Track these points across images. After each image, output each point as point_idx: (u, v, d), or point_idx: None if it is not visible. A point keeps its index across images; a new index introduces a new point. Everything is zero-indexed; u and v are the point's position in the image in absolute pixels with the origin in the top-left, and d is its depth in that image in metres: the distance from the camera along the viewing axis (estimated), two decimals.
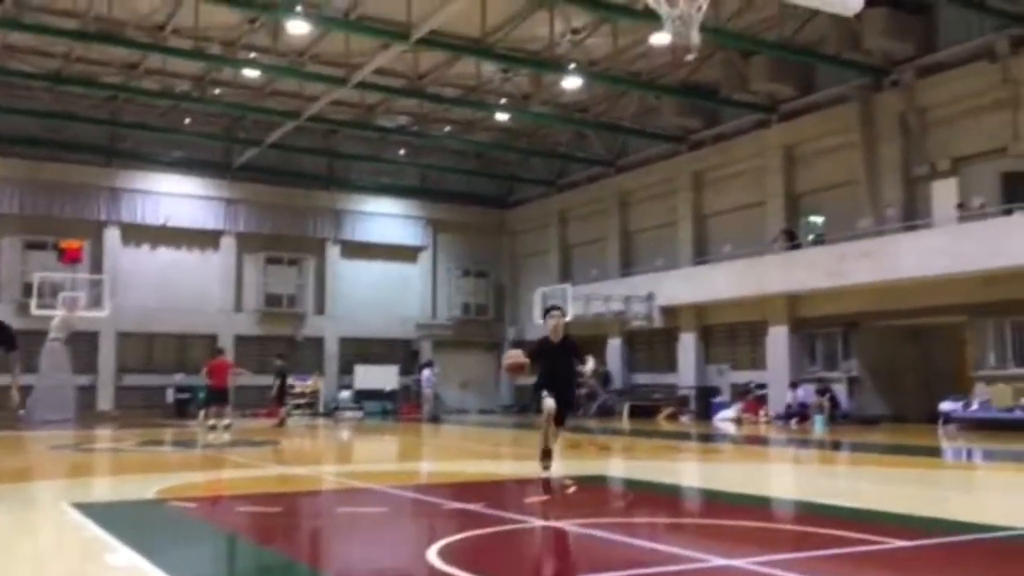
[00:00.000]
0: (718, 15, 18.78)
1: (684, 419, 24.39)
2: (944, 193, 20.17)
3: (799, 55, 21.15)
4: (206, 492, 9.15)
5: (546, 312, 9.41)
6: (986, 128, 19.55)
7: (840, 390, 21.96)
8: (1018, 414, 17.79)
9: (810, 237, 23.45)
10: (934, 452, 14.15)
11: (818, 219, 23.58)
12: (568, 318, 27.10)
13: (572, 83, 23.82)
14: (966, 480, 10.58)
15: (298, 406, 27.19)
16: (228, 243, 30.11)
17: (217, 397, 17.49)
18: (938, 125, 20.56)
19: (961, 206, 19.70)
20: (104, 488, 9.78)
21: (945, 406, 18.92)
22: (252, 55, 22.61)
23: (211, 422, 17.37)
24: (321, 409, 28.51)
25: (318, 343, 30.67)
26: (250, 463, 11.84)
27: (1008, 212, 18.65)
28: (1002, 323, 18.94)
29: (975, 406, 18.58)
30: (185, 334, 28.86)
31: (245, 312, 30.00)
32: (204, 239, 29.88)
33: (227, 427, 17.03)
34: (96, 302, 25.93)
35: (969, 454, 14.02)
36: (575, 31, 21.49)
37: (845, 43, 20.28)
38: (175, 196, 29.17)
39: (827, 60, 21.14)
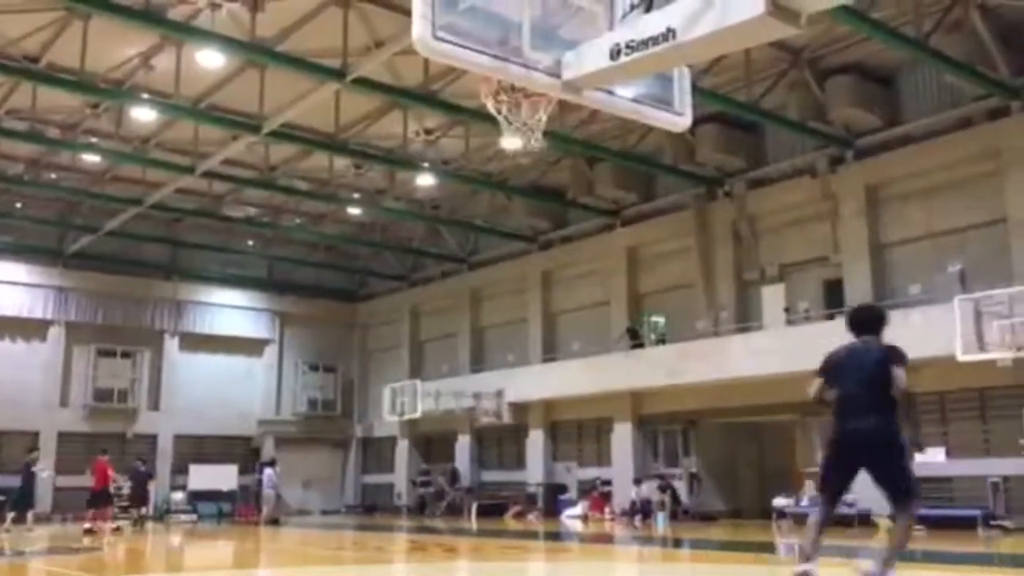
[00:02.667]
0: (565, 123, 19.62)
1: (531, 517, 24.29)
2: (773, 297, 21.43)
3: (640, 163, 22.28)
4: None
5: None
6: (809, 238, 21.03)
7: (681, 486, 22.51)
8: (843, 509, 18.64)
9: (652, 336, 24.31)
10: (767, 548, 14.60)
11: (660, 319, 24.52)
12: (418, 414, 27.02)
13: (425, 180, 24.16)
14: None
15: (124, 508, 25.36)
16: (56, 333, 28.32)
17: (98, 499, 17.92)
18: (767, 234, 21.97)
19: (788, 310, 20.98)
20: None
21: (778, 502, 19.66)
22: (93, 139, 21.82)
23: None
24: (151, 512, 26.72)
25: (151, 440, 28.94)
26: (65, 574, 10.90)
27: (830, 317, 19.97)
28: (826, 422, 20.00)
29: (805, 501, 19.38)
30: (2, 431, 26.65)
31: (71, 407, 28.06)
32: (30, 329, 27.97)
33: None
34: None
35: (800, 550, 14.53)
36: (428, 131, 21.93)
37: (681, 155, 21.57)
38: (1, 283, 27.32)
39: (665, 169, 22.36)
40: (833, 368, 6.83)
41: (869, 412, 6.30)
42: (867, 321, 7.21)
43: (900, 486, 6.22)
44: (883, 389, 6.32)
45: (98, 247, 27.91)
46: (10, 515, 19.53)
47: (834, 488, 6.66)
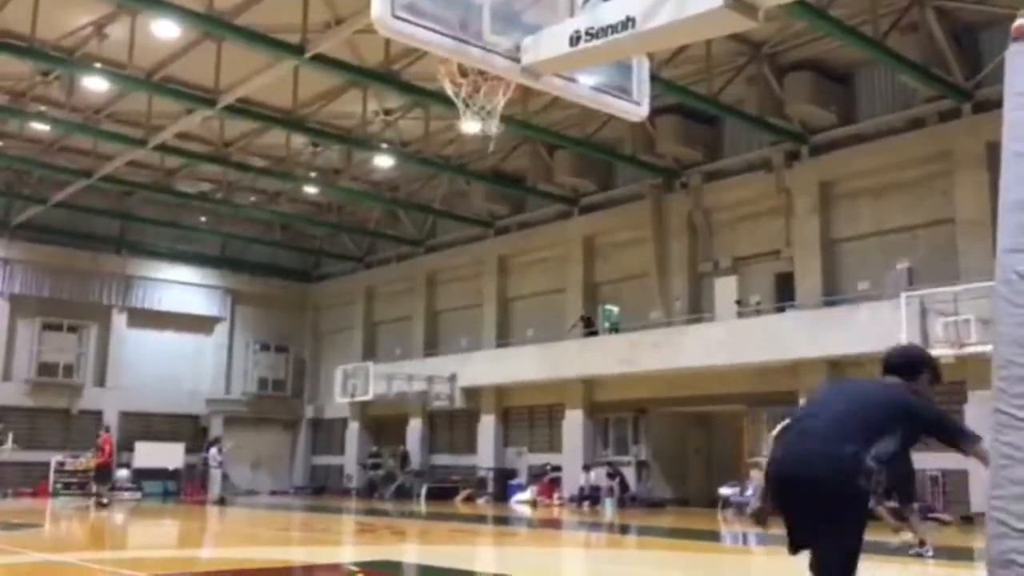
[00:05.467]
0: (526, 109, 19.59)
1: (481, 501, 24.37)
2: (725, 289, 21.70)
3: (599, 152, 22.34)
4: None
5: None
6: (762, 232, 21.30)
7: (629, 473, 22.74)
8: None
9: (606, 325, 24.47)
10: (713, 536, 14.82)
11: (614, 308, 24.69)
12: (369, 396, 26.90)
13: (384, 162, 23.98)
14: (741, 565, 11.11)
15: (68, 486, 24.96)
16: (0, 306, 27.66)
17: (106, 474, 19.45)
18: (721, 226, 22.20)
19: (740, 302, 21.25)
20: None
21: (724, 491, 19.96)
22: (43, 108, 21.28)
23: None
24: (94, 489, 26.28)
25: (96, 417, 28.41)
26: (2, 549, 10.68)
27: (780, 310, 20.28)
28: (775, 413, 20.33)
29: (749, 491, 19.69)
30: None
31: (14, 381, 27.46)
32: None
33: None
34: None
35: (744, 538, 14.79)
36: (388, 112, 21.75)
37: (640, 145, 21.68)
38: None
39: (624, 159, 22.45)
40: None
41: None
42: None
43: None
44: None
45: (45, 219, 27.30)
46: None
47: None
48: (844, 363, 18.22)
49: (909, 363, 4.45)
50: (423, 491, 26.10)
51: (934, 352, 16.30)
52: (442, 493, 25.79)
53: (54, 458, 25.79)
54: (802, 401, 19.34)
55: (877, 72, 19.31)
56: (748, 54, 18.92)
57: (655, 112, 17.39)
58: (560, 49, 5.62)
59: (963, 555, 11.75)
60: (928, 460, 17.75)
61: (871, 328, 17.23)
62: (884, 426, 3.94)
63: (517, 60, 5.77)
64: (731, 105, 19.28)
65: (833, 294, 19.53)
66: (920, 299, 16.52)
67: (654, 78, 7.66)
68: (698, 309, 21.95)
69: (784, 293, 20.54)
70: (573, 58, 5.67)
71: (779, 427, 4.18)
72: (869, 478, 3.74)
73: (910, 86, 18.14)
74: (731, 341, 19.58)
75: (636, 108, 6.42)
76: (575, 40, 5.53)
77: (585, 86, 6.25)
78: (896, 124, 19.15)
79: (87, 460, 25.88)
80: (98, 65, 18.32)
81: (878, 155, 19.20)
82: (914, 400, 4.23)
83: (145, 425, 29.14)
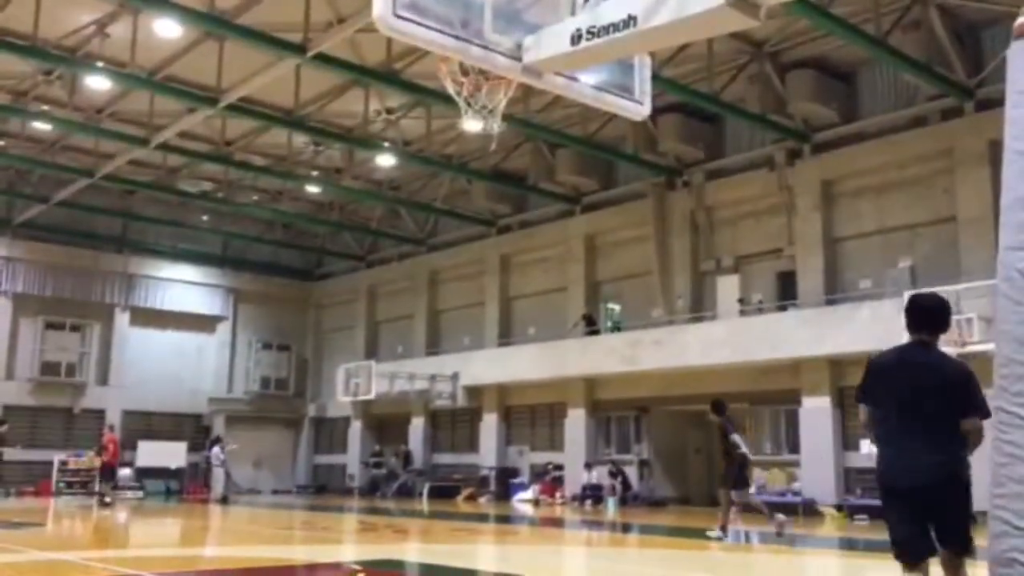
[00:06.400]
0: (528, 108, 19.59)
1: (483, 500, 24.38)
2: (727, 288, 21.68)
3: (601, 151, 22.33)
4: None
5: None
6: (764, 230, 21.29)
7: (632, 472, 22.74)
8: (790, 497, 19.01)
9: (608, 323, 24.47)
10: None
11: (616, 306, 24.68)
12: (372, 395, 26.92)
13: (385, 160, 23.99)
14: (745, 563, 11.11)
15: (70, 485, 24.99)
16: (3, 305, 27.67)
17: (112, 473, 20.31)
18: (723, 225, 22.18)
19: (742, 301, 21.24)
20: None
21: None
22: (45, 107, 21.30)
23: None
24: (97, 488, 26.32)
25: (99, 416, 28.45)
26: (6, 547, 10.70)
27: (783, 308, 20.28)
28: (777, 411, 20.35)
29: (753, 489, 19.66)
30: None
31: (17, 380, 27.49)
32: None
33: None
34: None
35: (747, 537, 14.78)
36: (389, 111, 21.75)
37: (642, 143, 21.65)
38: None
39: (626, 158, 22.44)
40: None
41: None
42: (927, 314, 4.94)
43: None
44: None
45: (48, 217, 27.33)
46: None
47: None
48: (846, 362, 18.20)
49: None
50: (425, 490, 26.12)
51: None
52: (444, 492, 25.80)
53: (57, 457, 25.81)
54: (804, 399, 19.37)
55: (879, 70, 19.29)
56: (750, 52, 18.90)
57: (657, 110, 17.36)
58: (561, 48, 5.63)
59: None
60: None
61: (873, 327, 17.21)
62: None
63: (518, 59, 5.77)
64: (733, 103, 19.27)
65: (835, 292, 19.52)
66: None
67: (655, 77, 7.66)
68: (700, 308, 21.94)
69: (786, 291, 20.54)
70: (574, 57, 5.67)
71: None
72: None
73: (912, 84, 18.12)
74: (733, 340, 19.57)
75: (638, 107, 6.42)
76: (576, 39, 5.54)
77: (587, 85, 6.25)
78: (898, 122, 19.13)
79: (89, 459, 25.93)
80: (100, 64, 18.34)
81: (880, 153, 19.18)
82: None
83: (147, 424, 29.18)
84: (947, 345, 15.78)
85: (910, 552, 4.59)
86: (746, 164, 21.55)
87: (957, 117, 18.10)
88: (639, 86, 6.43)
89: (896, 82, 18.93)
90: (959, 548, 4.57)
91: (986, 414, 4.38)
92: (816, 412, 19.07)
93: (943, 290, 16.22)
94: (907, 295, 16.44)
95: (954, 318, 15.81)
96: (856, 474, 18.66)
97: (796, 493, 19.06)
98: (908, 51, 16.79)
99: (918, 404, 4.61)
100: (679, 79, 18.24)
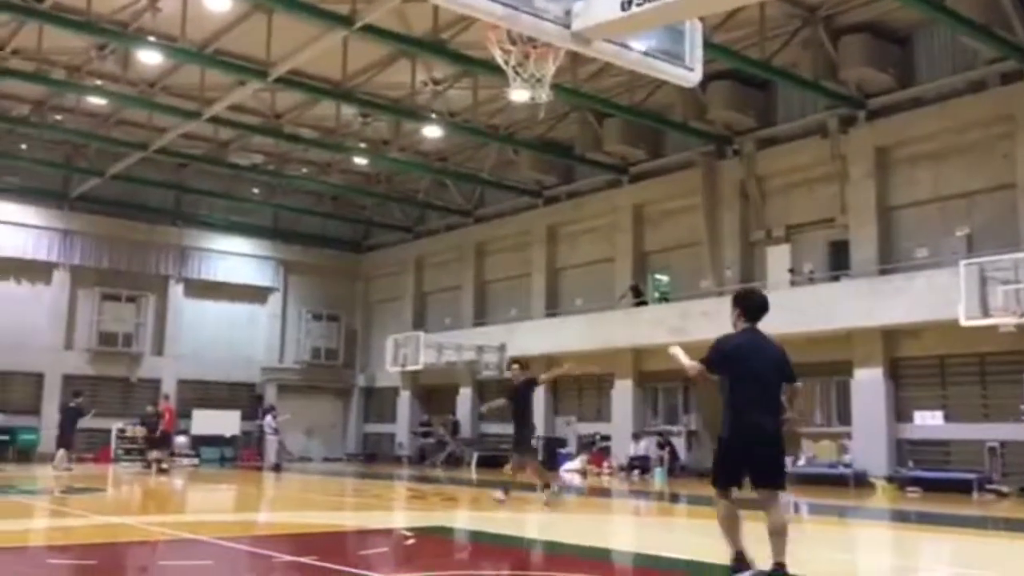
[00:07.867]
0: (575, 77, 19.41)
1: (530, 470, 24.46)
2: (778, 258, 21.37)
3: (649, 120, 22.08)
4: (14, 543, 8.46)
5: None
6: (816, 199, 20.91)
7: (679, 443, 22.69)
8: (840, 469, 18.84)
9: (656, 294, 24.32)
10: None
11: (664, 277, 24.50)
12: (420, 366, 27.13)
13: (432, 132, 24.00)
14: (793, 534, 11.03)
15: (128, 452, 25.68)
16: (61, 276, 28.39)
17: (167, 440, 21.41)
18: (774, 194, 21.84)
19: (792, 271, 20.94)
20: None
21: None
22: (99, 82, 21.66)
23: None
24: (152, 456, 26.97)
25: (155, 385, 29.13)
26: (69, 512, 11.07)
27: (835, 278, 19.96)
28: (827, 383, 20.10)
29: (802, 461, 19.55)
30: (6, 371, 26.86)
31: (76, 350, 28.24)
32: (35, 271, 28.05)
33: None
34: None
35: (796, 507, 14.70)
36: (436, 81, 21.71)
37: (691, 112, 21.35)
38: (5, 224, 27.32)
39: (674, 127, 22.16)
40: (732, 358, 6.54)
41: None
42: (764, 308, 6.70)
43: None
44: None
45: (103, 191, 27.87)
46: (59, 452, 21.24)
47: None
48: (899, 333, 17.88)
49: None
50: (473, 459, 26.35)
51: (993, 321, 15.94)
52: (492, 461, 25.99)
53: (115, 425, 26.50)
54: (856, 371, 19.10)
55: (936, 33, 18.74)
56: (802, 17, 18.49)
57: (706, 78, 17.00)
58: (612, 14, 5.56)
59: (1021, 526, 11.56)
60: (986, 430, 17.49)
61: (928, 297, 16.89)
62: None
63: (567, 26, 5.72)
64: (784, 69, 18.89)
65: (889, 262, 19.15)
66: (980, 267, 16.08)
67: (706, 43, 7.53)
68: (750, 278, 21.68)
69: (838, 261, 20.19)
70: (625, 23, 5.60)
71: None
72: None
73: (971, 47, 17.60)
74: (783, 310, 19.24)
75: (689, 74, 6.34)
76: (627, 4, 5.47)
77: (637, 52, 6.17)
78: (956, 86, 18.61)
79: (134, 431, 26.34)
80: (152, 39, 18.55)
81: (937, 119, 18.69)
82: None
83: (202, 393, 29.81)
84: (1005, 315, 15.46)
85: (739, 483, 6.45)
86: (798, 132, 21.15)
87: (1018, 80, 17.55)
88: (690, 52, 6.34)
89: (954, 45, 18.38)
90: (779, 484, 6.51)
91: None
92: (869, 383, 18.80)
93: (1001, 259, 15.92)
94: (963, 264, 16.06)
95: (1013, 287, 15.54)
96: (909, 445, 18.42)
97: (847, 465, 18.87)
98: (966, 12, 16.28)
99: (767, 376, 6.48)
100: (729, 45, 17.91)
